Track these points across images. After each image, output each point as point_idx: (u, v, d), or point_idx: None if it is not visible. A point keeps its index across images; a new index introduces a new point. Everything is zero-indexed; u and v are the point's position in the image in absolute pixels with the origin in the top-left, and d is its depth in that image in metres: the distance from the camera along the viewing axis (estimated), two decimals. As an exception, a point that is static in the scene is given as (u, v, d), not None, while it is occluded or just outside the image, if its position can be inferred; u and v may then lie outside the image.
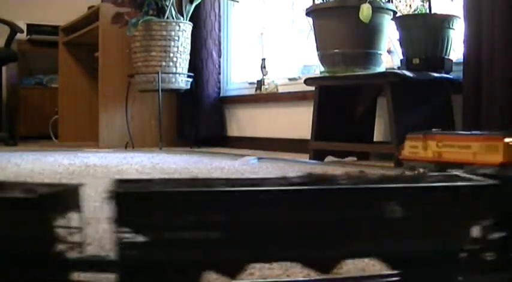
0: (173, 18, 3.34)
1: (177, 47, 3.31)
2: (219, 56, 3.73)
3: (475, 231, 0.57)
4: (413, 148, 1.80)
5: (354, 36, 2.38)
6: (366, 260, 0.73)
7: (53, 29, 4.50)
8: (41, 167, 2.02)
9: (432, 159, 1.70)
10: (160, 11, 3.32)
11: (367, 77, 2.32)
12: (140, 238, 0.51)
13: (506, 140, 1.50)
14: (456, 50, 2.47)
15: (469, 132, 1.74)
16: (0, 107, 4.67)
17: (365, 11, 2.22)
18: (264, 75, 3.42)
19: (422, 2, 2.45)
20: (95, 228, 0.93)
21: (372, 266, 0.70)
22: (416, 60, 2.31)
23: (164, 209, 0.51)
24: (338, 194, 0.54)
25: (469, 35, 2.12)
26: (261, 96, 3.43)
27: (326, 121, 2.51)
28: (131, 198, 0.51)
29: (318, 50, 2.51)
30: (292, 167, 2.07)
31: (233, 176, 1.74)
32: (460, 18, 2.28)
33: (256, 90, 3.47)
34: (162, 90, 3.31)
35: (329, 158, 2.49)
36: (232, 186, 0.55)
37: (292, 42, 3.64)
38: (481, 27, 2.07)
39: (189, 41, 3.40)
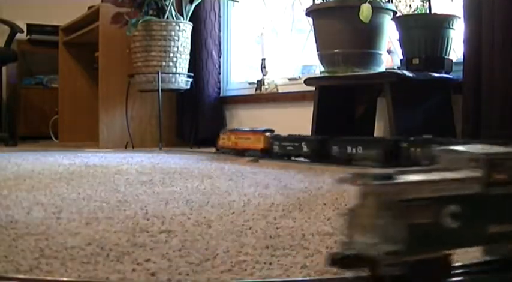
0: (173, 18, 3.34)
1: (177, 47, 3.31)
2: (219, 56, 3.73)
3: None
4: (223, 139, 2.78)
5: (354, 36, 2.38)
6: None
7: (53, 29, 4.50)
8: (41, 167, 2.02)
9: (232, 146, 2.68)
10: (160, 11, 3.32)
11: (367, 77, 2.32)
12: None
13: (266, 134, 2.50)
14: (456, 50, 2.47)
15: (249, 129, 2.65)
16: (0, 107, 4.67)
17: (365, 11, 2.22)
18: (264, 75, 3.42)
19: (422, 2, 2.45)
20: (95, 228, 0.93)
21: (372, 266, 0.70)
22: (416, 60, 2.31)
23: None
24: None
25: (469, 35, 2.12)
26: (261, 96, 3.43)
27: (326, 121, 2.51)
28: None
29: (318, 50, 2.51)
30: (293, 168, 2.07)
31: (234, 176, 1.74)
32: (460, 18, 2.28)
33: (256, 90, 3.47)
34: (162, 90, 3.31)
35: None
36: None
37: (292, 42, 3.64)
38: (481, 27, 2.07)
39: (189, 41, 3.40)
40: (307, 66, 3.43)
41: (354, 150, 2.03)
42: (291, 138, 2.34)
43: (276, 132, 2.52)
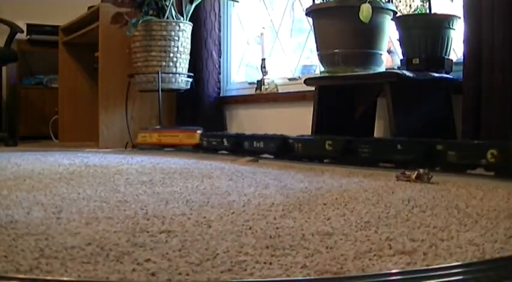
0: (173, 18, 3.34)
1: (177, 47, 3.31)
2: (219, 56, 3.73)
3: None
4: (144, 137, 3.21)
5: (354, 36, 2.38)
6: (366, 259, 0.73)
7: (53, 29, 4.50)
8: (41, 167, 2.02)
9: (155, 143, 3.15)
10: (160, 11, 3.32)
11: (367, 77, 2.32)
12: None
13: (198, 131, 3.00)
14: (456, 50, 2.47)
15: (175, 127, 3.29)
16: (0, 107, 4.68)
17: (365, 11, 2.22)
18: (264, 75, 3.42)
19: (422, 2, 2.45)
20: (95, 228, 0.93)
21: (372, 265, 0.70)
22: (416, 60, 2.31)
23: None
24: None
25: (469, 35, 2.12)
26: (261, 96, 3.43)
27: (326, 121, 2.51)
28: None
29: (318, 50, 2.51)
30: (293, 168, 2.07)
31: (233, 176, 1.74)
32: (460, 18, 2.28)
33: (256, 90, 3.47)
34: (162, 90, 3.31)
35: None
36: None
37: (292, 42, 3.64)
38: (481, 27, 2.07)
39: (189, 41, 3.40)
40: (307, 66, 3.43)
41: (258, 145, 2.57)
42: (216, 135, 2.90)
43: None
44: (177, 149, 3.07)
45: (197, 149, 2.96)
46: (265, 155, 2.54)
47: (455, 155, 1.75)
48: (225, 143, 2.76)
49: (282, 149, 2.40)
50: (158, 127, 3.30)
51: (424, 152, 1.82)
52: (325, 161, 2.22)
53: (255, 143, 2.57)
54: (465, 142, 1.88)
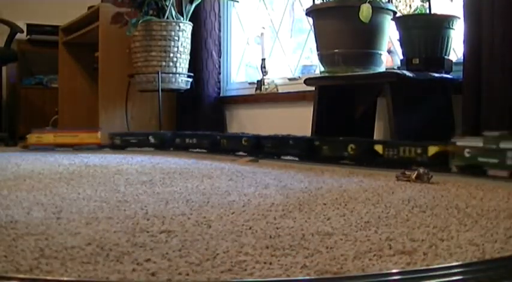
0: (173, 18, 3.34)
1: (177, 47, 3.31)
2: (219, 56, 3.73)
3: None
4: (38, 138, 3.14)
5: (354, 36, 2.38)
6: (366, 259, 0.73)
7: (53, 29, 4.50)
8: (41, 167, 2.02)
9: (51, 143, 3.11)
10: (160, 11, 3.32)
11: (367, 77, 2.32)
12: None
13: (99, 131, 3.15)
14: (456, 50, 2.47)
15: (73, 128, 3.41)
16: (1, 107, 4.68)
17: (365, 11, 2.22)
18: (264, 75, 3.42)
19: (422, 2, 2.45)
20: (95, 228, 0.93)
21: (372, 265, 0.70)
22: (416, 60, 2.31)
23: None
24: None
25: (469, 35, 2.12)
26: (261, 96, 3.43)
27: (326, 121, 2.51)
28: None
29: (318, 50, 2.51)
30: (293, 168, 2.07)
31: (233, 176, 1.74)
32: (460, 18, 2.28)
33: (256, 90, 3.47)
34: (162, 90, 3.31)
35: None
36: None
37: (292, 42, 3.64)
38: (481, 27, 2.07)
39: (189, 41, 3.40)
40: (307, 66, 3.43)
41: (190, 141, 2.92)
42: (134, 133, 3.12)
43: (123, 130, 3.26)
44: (78, 148, 3.09)
45: (102, 148, 3.12)
46: (200, 150, 2.90)
47: (327, 149, 2.14)
48: (152, 140, 3.03)
49: (214, 145, 2.78)
50: (53, 128, 3.56)
51: (306, 147, 2.23)
52: (239, 153, 2.61)
53: (187, 139, 2.95)
54: (333, 139, 2.17)
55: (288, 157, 2.35)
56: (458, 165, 1.73)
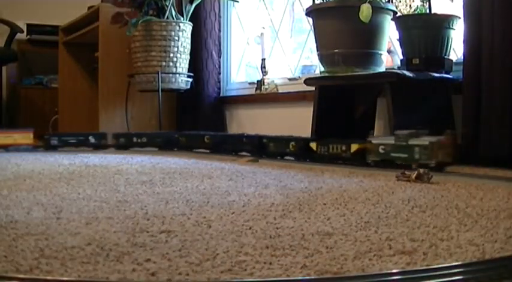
0: (173, 18, 3.34)
1: (177, 47, 3.31)
2: (219, 56, 3.73)
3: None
4: None
5: (354, 36, 2.38)
6: (366, 259, 0.73)
7: (53, 29, 4.50)
8: (41, 167, 2.02)
9: None
10: (160, 11, 3.32)
11: (367, 77, 2.32)
12: None
13: (31, 132, 3.11)
14: (456, 50, 2.47)
15: (7, 129, 3.30)
16: (1, 107, 4.68)
17: (365, 11, 2.22)
18: (264, 75, 3.42)
19: (422, 2, 2.45)
20: (95, 228, 0.93)
21: (372, 265, 0.70)
22: (416, 60, 2.31)
23: None
24: None
25: (469, 35, 2.12)
26: (261, 96, 3.43)
27: (326, 121, 2.51)
28: None
29: (318, 50, 2.51)
30: (293, 168, 2.07)
31: (233, 176, 1.74)
32: (460, 18, 2.28)
33: (256, 90, 3.47)
34: (162, 90, 3.31)
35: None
36: None
37: (292, 42, 3.64)
38: (481, 27, 2.07)
39: (189, 41, 3.40)
40: (307, 66, 3.43)
41: (139, 140, 3.05)
42: (72, 134, 3.21)
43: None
44: (12, 149, 3.03)
45: (38, 148, 3.12)
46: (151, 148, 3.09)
47: (273, 146, 2.42)
48: (92, 140, 3.10)
49: (168, 143, 3.01)
50: None
51: (257, 144, 2.51)
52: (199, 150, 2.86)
53: (135, 138, 3.08)
54: (278, 137, 2.44)
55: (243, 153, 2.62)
56: (374, 160, 1.97)
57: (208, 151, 2.81)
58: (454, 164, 1.84)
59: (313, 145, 2.21)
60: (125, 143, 3.08)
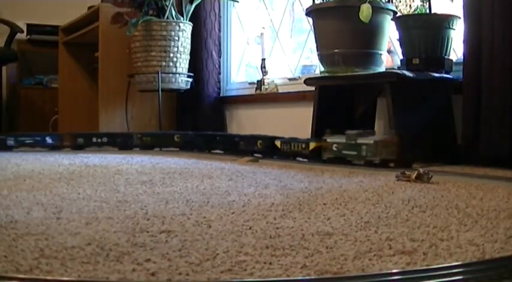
0: (173, 18, 3.34)
1: (177, 47, 3.31)
2: (219, 56, 3.73)
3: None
4: None
5: (354, 36, 2.38)
6: (366, 259, 0.73)
7: (53, 29, 4.50)
8: (41, 167, 2.02)
9: None
10: (160, 11, 3.32)
11: (367, 77, 2.32)
12: None
13: None
14: (456, 50, 2.47)
15: None
16: (1, 107, 4.68)
17: (365, 11, 2.22)
18: (264, 75, 3.42)
19: (422, 2, 2.45)
20: (95, 228, 0.93)
21: (372, 265, 0.70)
22: (416, 60, 2.31)
23: None
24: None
25: (469, 35, 2.12)
26: (261, 96, 3.43)
27: (326, 121, 2.51)
28: None
29: (318, 50, 2.51)
30: (293, 168, 2.07)
31: (233, 176, 1.74)
32: (460, 18, 2.28)
33: (256, 90, 3.47)
34: (162, 90, 3.31)
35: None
36: None
37: (292, 42, 3.64)
38: (481, 27, 2.07)
39: (189, 41, 3.40)
40: (307, 66, 3.42)
41: (100, 140, 3.07)
42: (29, 135, 3.14)
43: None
44: None
45: None
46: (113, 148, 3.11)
47: (243, 144, 2.61)
48: (49, 140, 3.06)
49: (129, 143, 3.10)
50: None
51: (228, 142, 2.75)
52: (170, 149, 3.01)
53: (95, 138, 3.09)
54: (247, 136, 2.69)
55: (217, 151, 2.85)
56: (328, 157, 2.17)
57: (177, 149, 3.00)
58: (398, 161, 1.98)
59: (277, 143, 2.42)
60: (83, 143, 3.06)
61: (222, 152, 2.79)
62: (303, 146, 2.28)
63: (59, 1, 4.73)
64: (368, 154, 2.00)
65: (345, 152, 2.09)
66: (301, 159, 2.32)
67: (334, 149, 2.12)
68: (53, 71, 4.53)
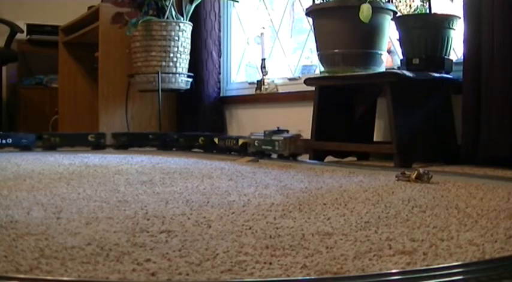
0: (173, 18, 3.34)
1: (177, 47, 3.31)
2: (219, 56, 3.73)
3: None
4: None
5: (354, 36, 2.38)
6: (366, 259, 0.73)
7: (53, 29, 4.50)
8: (41, 167, 2.02)
9: None
10: (160, 11, 3.32)
11: (367, 77, 2.32)
12: None
13: None
14: (456, 50, 2.47)
15: None
16: (0, 107, 4.67)
17: (365, 11, 2.21)
18: (264, 75, 3.41)
19: (422, 2, 2.45)
20: (95, 228, 0.93)
21: (372, 265, 0.70)
22: (416, 60, 2.31)
23: None
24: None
25: (469, 35, 2.12)
26: (261, 96, 3.43)
27: (326, 121, 2.51)
28: None
29: (318, 50, 2.51)
30: (293, 167, 2.08)
31: (233, 176, 1.74)
32: (460, 18, 2.28)
33: (256, 90, 3.47)
34: (162, 90, 3.31)
35: (329, 158, 2.49)
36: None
37: (292, 42, 3.64)
38: (481, 27, 2.07)
39: (189, 41, 3.40)
40: (307, 66, 3.42)
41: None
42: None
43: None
44: None
45: None
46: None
47: (183, 141, 3.05)
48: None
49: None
50: None
51: (166, 139, 3.16)
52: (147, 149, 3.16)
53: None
54: (189, 133, 3.10)
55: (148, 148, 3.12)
56: (252, 151, 2.52)
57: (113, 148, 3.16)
58: (303, 154, 2.42)
59: (216, 140, 2.82)
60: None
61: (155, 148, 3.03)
62: (234, 142, 2.68)
63: (59, 1, 4.73)
64: (279, 149, 2.38)
65: (264, 147, 2.47)
66: (233, 153, 2.69)
67: (256, 144, 2.51)
68: (52, 71, 4.53)
